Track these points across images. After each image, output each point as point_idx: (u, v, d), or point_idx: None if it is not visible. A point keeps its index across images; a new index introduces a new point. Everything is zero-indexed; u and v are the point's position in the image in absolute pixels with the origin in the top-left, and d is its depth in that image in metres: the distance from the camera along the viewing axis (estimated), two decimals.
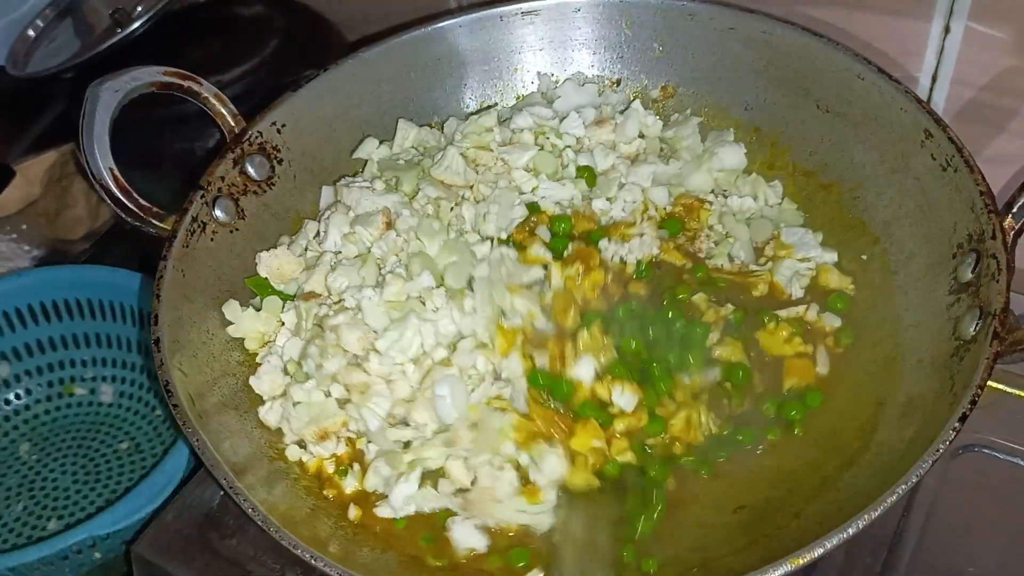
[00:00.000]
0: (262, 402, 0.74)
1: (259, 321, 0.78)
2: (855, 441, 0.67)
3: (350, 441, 0.73)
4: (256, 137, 0.83)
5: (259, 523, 0.59)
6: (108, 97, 0.75)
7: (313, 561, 0.58)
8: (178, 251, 0.75)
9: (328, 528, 0.68)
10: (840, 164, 0.81)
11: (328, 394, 0.72)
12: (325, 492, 0.70)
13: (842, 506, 0.61)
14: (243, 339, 0.78)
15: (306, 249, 0.82)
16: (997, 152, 0.87)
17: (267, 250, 0.81)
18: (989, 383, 0.82)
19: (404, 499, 0.67)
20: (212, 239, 0.79)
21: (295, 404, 0.72)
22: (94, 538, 0.78)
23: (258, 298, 0.80)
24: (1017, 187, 0.65)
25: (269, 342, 0.78)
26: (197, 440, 0.63)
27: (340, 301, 0.76)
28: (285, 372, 0.75)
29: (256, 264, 0.81)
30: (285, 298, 0.80)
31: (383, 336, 0.72)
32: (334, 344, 0.72)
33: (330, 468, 0.71)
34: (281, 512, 0.64)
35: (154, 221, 0.77)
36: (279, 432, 0.73)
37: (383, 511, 0.68)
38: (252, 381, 0.74)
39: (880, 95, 0.76)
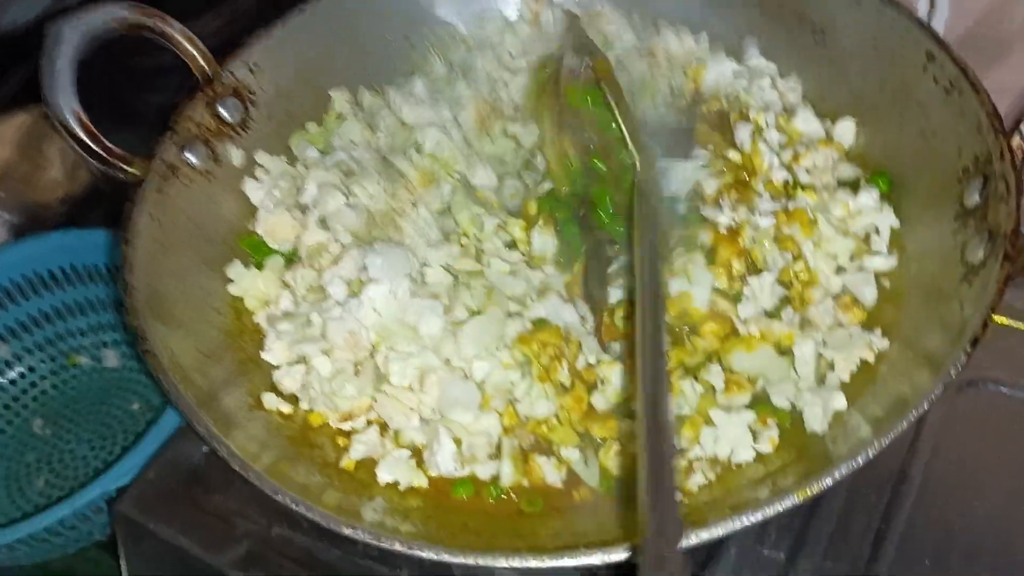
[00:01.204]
0: (249, 354, 0.71)
1: (260, 280, 0.75)
2: (862, 372, 0.65)
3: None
4: (229, 78, 0.79)
5: (237, 468, 0.57)
6: (69, 33, 0.71)
7: (294, 506, 0.55)
8: (150, 196, 0.71)
9: (318, 479, 0.65)
10: (838, 95, 0.79)
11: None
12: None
13: (850, 438, 0.59)
14: (230, 292, 0.75)
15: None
16: (996, 83, 0.85)
17: (267, 209, 0.78)
18: (993, 317, 0.82)
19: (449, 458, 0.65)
20: (186, 184, 0.75)
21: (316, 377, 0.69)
22: (108, 495, 0.76)
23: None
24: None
25: (268, 304, 0.75)
26: (172, 388, 0.60)
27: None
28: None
29: (245, 218, 0.79)
30: (285, 257, 0.77)
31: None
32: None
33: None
34: (263, 461, 0.61)
35: (122, 165, 0.73)
36: (263, 380, 0.70)
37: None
38: (263, 354, 0.71)
39: (878, 19, 0.73)
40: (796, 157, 0.74)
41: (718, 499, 0.63)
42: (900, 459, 0.74)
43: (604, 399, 0.65)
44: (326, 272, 0.71)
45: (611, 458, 0.64)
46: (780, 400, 0.64)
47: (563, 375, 0.65)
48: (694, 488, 0.63)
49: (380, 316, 0.68)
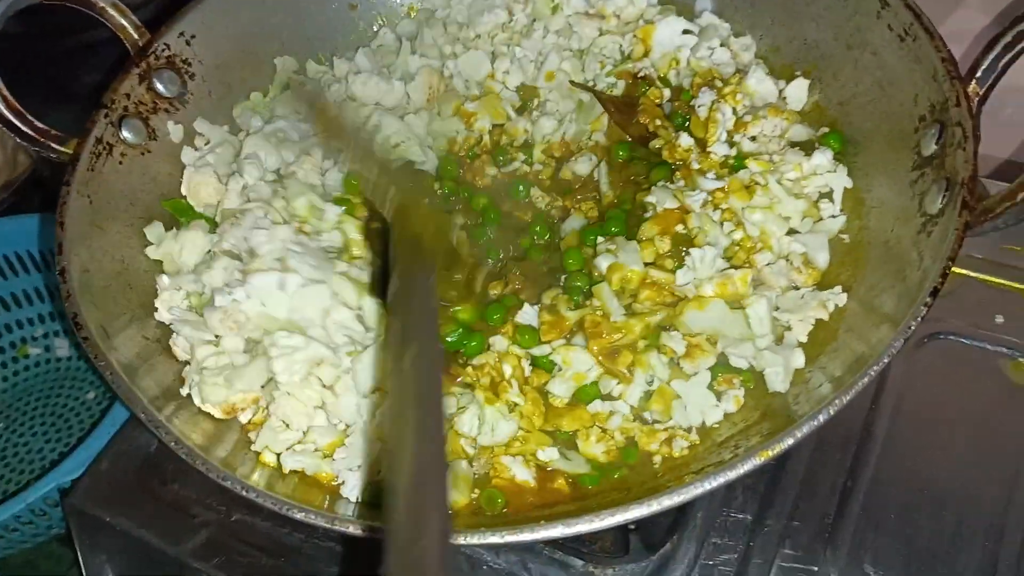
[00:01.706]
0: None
1: (179, 244, 0.72)
2: (821, 330, 0.64)
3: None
4: (163, 50, 0.76)
5: (183, 456, 0.55)
6: None
7: (244, 492, 0.53)
8: (82, 175, 0.68)
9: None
10: (792, 46, 0.77)
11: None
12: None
13: (812, 396, 0.58)
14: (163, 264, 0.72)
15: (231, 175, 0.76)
16: (951, 29, 0.83)
17: (193, 169, 0.75)
18: (954, 269, 0.81)
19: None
20: (121, 162, 0.72)
21: (202, 370, 0.65)
22: (63, 488, 0.73)
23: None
24: (980, 51, 0.61)
25: (186, 273, 0.71)
26: (111, 374, 0.58)
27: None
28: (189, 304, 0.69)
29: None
30: (209, 221, 0.74)
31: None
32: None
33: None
34: (214, 451, 0.59)
35: (54, 145, 0.70)
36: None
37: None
38: (156, 315, 0.68)
39: None
40: (744, 125, 0.72)
41: (699, 456, 0.62)
42: (864, 415, 0.73)
43: (565, 388, 0.64)
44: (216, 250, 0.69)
45: (593, 445, 0.62)
46: (739, 361, 0.63)
47: (513, 391, 0.63)
48: (678, 453, 0.61)
49: (265, 307, 0.65)
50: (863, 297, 0.63)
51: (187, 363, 0.67)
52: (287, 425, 0.63)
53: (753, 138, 0.72)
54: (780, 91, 0.75)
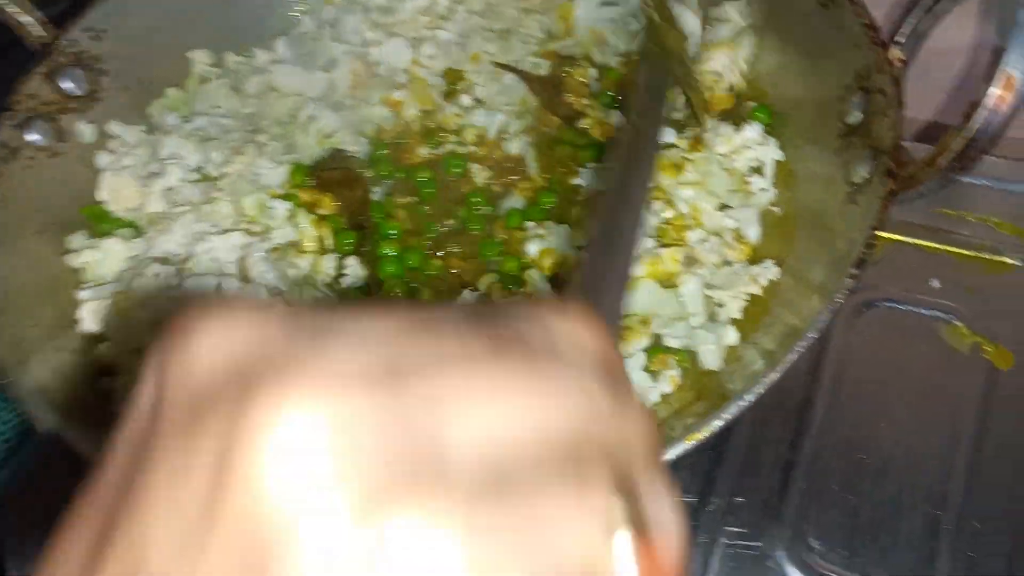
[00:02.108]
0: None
1: (101, 252, 0.69)
2: (755, 305, 0.63)
3: None
4: (70, 47, 0.72)
5: None
6: None
7: None
8: None
9: None
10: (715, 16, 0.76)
11: None
12: None
13: (746, 373, 0.58)
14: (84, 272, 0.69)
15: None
16: None
17: (111, 172, 0.72)
18: (887, 234, 0.81)
19: None
20: (29, 166, 0.69)
21: None
22: None
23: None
24: (901, 13, 0.61)
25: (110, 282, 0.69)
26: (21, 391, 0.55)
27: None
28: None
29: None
30: (130, 226, 0.71)
31: None
32: None
33: None
34: None
35: None
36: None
37: None
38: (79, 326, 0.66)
39: None
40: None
41: None
42: (804, 388, 0.73)
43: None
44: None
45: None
46: (674, 341, 0.62)
47: None
48: None
49: None
50: (795, 270, 0.63)
51: (114, 374, 0.65)
52: None
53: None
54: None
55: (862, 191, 0.58)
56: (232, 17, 0.82)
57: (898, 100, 0.58)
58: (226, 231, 0.67)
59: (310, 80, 0.78)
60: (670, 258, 0.62)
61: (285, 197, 0.70)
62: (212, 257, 0.66)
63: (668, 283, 0.63)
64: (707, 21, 0.75)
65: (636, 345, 0.62)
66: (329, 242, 0.69)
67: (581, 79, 0.73)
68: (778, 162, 0.68)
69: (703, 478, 0.69)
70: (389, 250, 0.68)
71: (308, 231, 0.69)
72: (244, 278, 0.63)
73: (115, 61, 0.75)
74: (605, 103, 0.73)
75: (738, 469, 0.70)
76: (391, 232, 0.69)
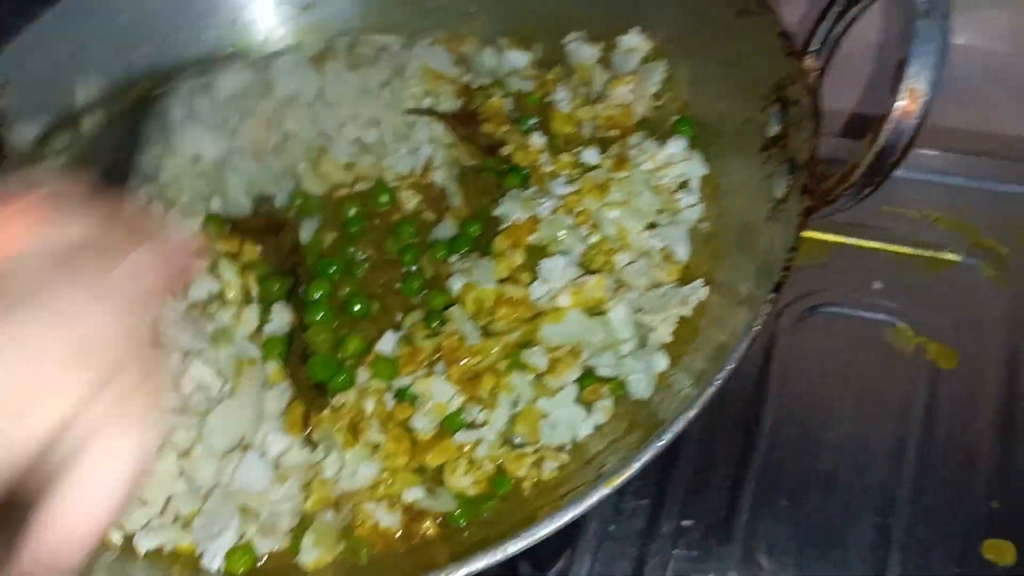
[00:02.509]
0: None
1: None
2: (685, 325, 0.62)
3: None
4: None
5: None
6: None
7: None
8: None
9: None
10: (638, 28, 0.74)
11: None
12: None
13: (676, 399, 0.56)
14: None
15: None
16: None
17: None
18: (828, 237, 0.80)
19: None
20: None
21: None
22: None
23: None
24: (813, 22, 0.59)
25: None
26: None
27: None
28: None
29: None
30: None
31: None
32: None
33: None
34: None
35: None
36: None
37: None
38: None
39: None
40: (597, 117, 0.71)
41: (570, 477, 0.59)
42: (749, 402, 0.72)
43: (428, 421, 0.60)
44: None
45: (460, 478, 0.59)
46: (606, 370, 0.60)
47: (373, 431, 0.59)
48: (548, 475, 0.59)
49: None
50: (722, 289, 0.61)
51: None
52: (143, 503, 0.59)
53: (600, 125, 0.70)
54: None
55: (781, 207, 0.57)
56: (139, 65, 0.80)
57: (813, 111, 0.57)
58: None
59: (211, 140, 0.75)
60: (595, 285, 0.61)
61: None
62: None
63: (596, 311, 0.62)
64: (608, 58, 0.74)
65: (568, 376, 0.60)
66: (254, 291, 0.67)
67: (497, 107, 0.72)
68: (703, 177, 0.67)
69: (651, 501, 0.68)
70: (321, 291, 0.66)
71: (232, 280, 0.67)
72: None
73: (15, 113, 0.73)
74: (525, 128, 0.71)
75: (686, 491, 0.69)
76: (330, 270, 0.67)
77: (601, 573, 0.66)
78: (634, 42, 0.73)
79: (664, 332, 0.61)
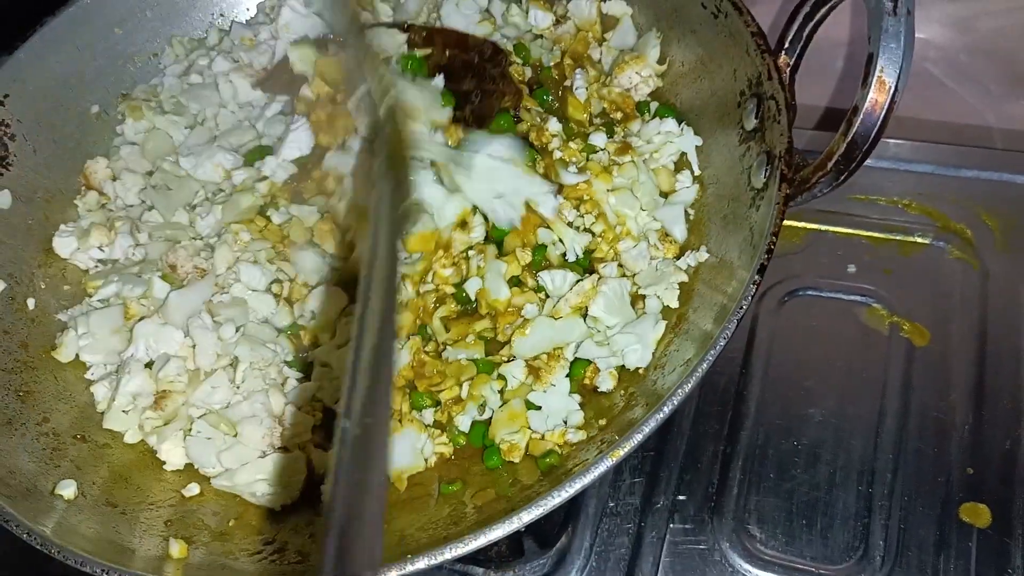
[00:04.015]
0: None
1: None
2: (671, 313, 0.65)
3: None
4: None
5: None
6: None
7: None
8: None
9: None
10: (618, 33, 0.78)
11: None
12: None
13: (667, 381, 0.60)
14: None
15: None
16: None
17: None
18: (804, 224, 0.84)
19: None
20: None
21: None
22: None
23: None
24: (785, 22, 0.63)
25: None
26: None
27: None
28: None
29: None
30: None
31: None
32: None
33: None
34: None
35: None
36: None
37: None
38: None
39: None
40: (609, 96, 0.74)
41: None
42: (735, 381, 0.76)
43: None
44: None
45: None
46: (594, 354, 0.64)
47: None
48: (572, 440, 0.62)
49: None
50: (708, 276, 0.65)
51: None
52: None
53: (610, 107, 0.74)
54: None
55: (762, 196, 0.61)
56: (136, 74, 0.82)
57: (788, 106, 0.60)
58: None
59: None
60: (589, 291, 0.64)
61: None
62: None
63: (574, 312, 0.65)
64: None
65: (556, 376, 0.63)
66: None
67: (519, 77, 0.75)
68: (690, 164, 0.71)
69: (647, 479, 0.71)
70: None
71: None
72: None
73: (23, 124, 0.75)
74: (542, 104, 0.75)
75: (680, 468, 0.72)
76: None
77: (601, 548, 0.69)
78: (617, 9, 0.77)
79: (669, 298, 0.64)
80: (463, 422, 0.63)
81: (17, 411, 0.65)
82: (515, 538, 0.68)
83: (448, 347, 0.65)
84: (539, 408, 0.62)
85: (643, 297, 0.66)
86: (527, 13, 0.79)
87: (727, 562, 0.68)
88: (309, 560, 0.58)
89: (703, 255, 0.66)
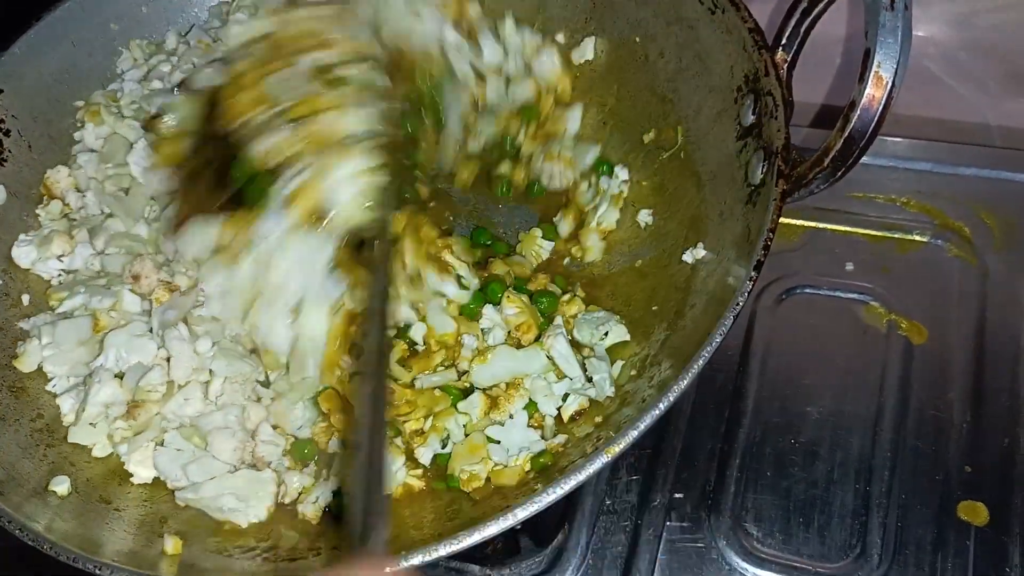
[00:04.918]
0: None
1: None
2: (671, 308, 0.65)
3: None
4: None
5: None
6: None
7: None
8: None
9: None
10: (616, 26, 0.77)
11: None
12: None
13: (664, 376, 0.59)
14: None
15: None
16: None
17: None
18: (801, 222, 0.84)
19: None
20: None
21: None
22: None
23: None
24: (782, 18, 0.63)
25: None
26: None
27: None
28: None
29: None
30: None
31: None
32: None
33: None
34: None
35: None
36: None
37: None
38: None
39: None
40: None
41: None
42: (732, 379, 0.75)
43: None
44: None
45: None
46: (556, 389, 0.65)
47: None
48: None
49: None
50: (705, 271, 0.64)
51: None
52: None
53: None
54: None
55: (759, 193, 0.60)
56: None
57: (785, 102, 0.60)
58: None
59: None
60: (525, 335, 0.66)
61: None
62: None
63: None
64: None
65: (515, 407, 0.64)
66: None
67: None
68: (683, 160, 0.71)
69: (643, 477, 0.71)
70: None
71: None
72: None
73: (18, 120, 0.75)
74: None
75: (676, 465, 0.72)
76: None
77: (598, 546, 0.69)
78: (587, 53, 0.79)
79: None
80: (424, 454, 0.63)
81: (10, 407, 0.64)
82: (511, 536, 0.68)
83: (416, 377, 0.66)
84: (499, 442, 0.62)
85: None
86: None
87: (724, 560, 0.68)
88: (301, 558, 0.58)
89: (700, 252, 0.66)
